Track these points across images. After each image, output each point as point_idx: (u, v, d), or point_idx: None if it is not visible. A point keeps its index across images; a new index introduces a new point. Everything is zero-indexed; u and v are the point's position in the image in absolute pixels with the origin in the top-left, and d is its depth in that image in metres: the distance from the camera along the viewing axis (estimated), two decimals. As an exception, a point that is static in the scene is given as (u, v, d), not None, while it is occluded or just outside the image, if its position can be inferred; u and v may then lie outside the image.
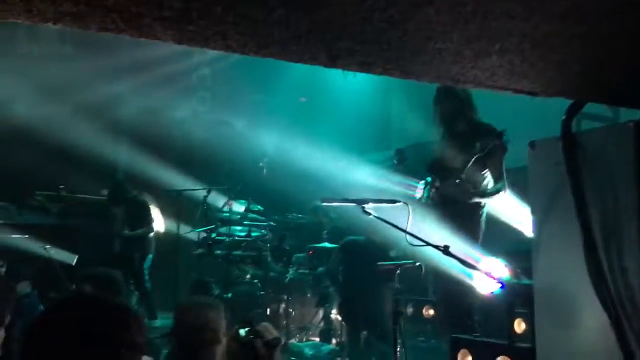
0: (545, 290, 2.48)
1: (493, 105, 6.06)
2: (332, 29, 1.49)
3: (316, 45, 1.58)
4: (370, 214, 3.11)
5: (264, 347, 2.45)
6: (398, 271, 3.10)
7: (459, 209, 4.39)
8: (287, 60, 1.69)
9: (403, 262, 3.19)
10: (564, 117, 2.33)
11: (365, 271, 5.16)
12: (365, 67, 1.77)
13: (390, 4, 1.39)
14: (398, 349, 3.28)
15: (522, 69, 2.02)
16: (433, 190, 4.46)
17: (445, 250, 3.01)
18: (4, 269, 5.13)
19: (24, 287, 4.63)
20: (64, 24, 1.34)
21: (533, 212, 2.56)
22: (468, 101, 4.58)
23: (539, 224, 2.52)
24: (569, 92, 2.23)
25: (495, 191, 4.49)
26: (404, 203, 3.29)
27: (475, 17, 1.50)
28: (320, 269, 7.01)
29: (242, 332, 2.57)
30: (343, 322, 6.28)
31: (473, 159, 4.31)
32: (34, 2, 1.25)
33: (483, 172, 4.48)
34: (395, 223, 3.16)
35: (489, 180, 4.53)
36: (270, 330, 2.57)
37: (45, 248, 6.63)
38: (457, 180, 4.34)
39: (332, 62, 1.68)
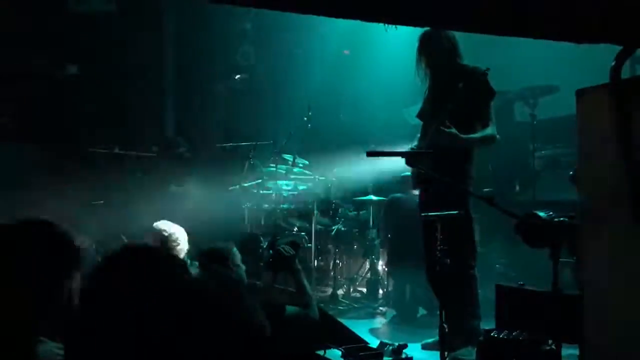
0: (592, 238, 2.47)
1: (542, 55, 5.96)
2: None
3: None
4: (415, 165, 3.13)
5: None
6: (441, 222, 3.10)
7: (444, 158, 3.83)
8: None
9: (447, 213, 3.17)
10: (612, 64, 2.28)
11: (411, 226, 5.17)
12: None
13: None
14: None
15: (567, 16, 1.99)
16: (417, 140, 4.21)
17: (490, 201, 3.00)
18: None
19: (83, 241, 4.83)
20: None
21: (580, 161, 2.53)
22: (454, 46, 4.24)
23: (586, 173, 2.50)
24: (616, 38, 2.18)
25: (482, 137, 4.08)
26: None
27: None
28: (364, 211, 7.09)
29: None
30: (389, 275, 6.37)
31: (456, 102, 3.94)
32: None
33: (469, 117, 4.09)
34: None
35: (476, 126, 4.12)
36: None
37: (100, 203, 6.87)
38: (441, 127, 3.91)
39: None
